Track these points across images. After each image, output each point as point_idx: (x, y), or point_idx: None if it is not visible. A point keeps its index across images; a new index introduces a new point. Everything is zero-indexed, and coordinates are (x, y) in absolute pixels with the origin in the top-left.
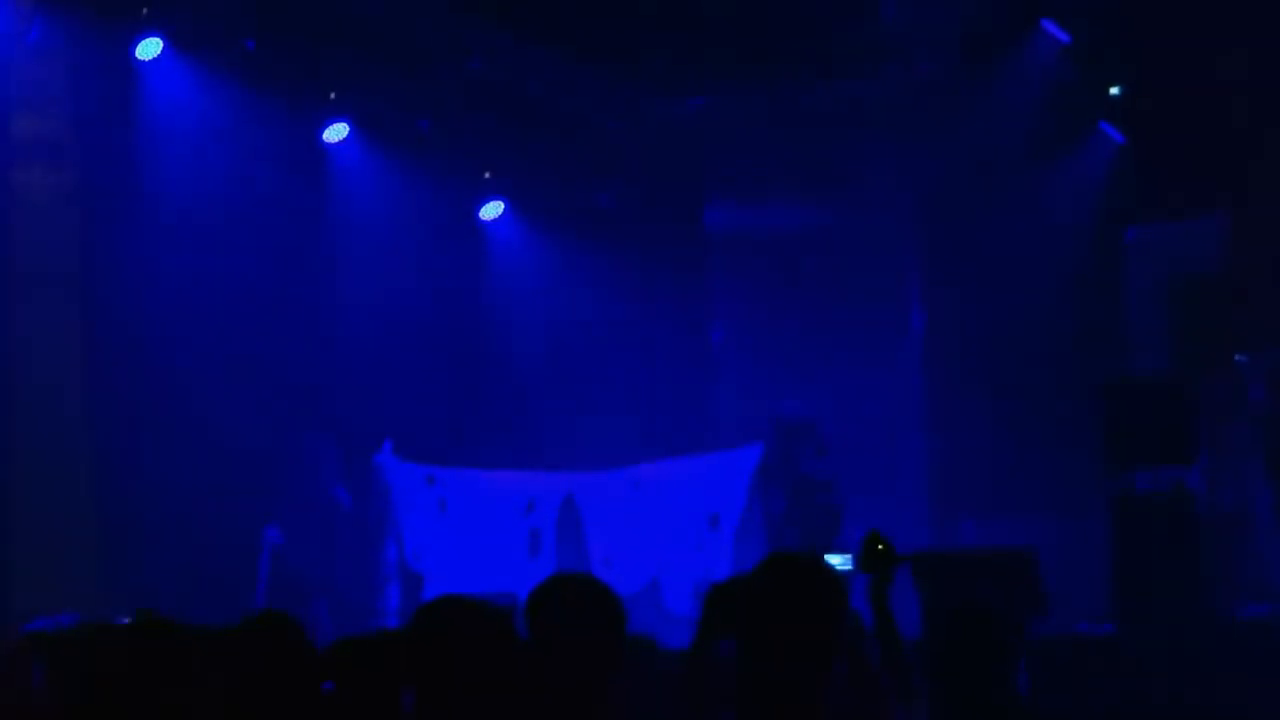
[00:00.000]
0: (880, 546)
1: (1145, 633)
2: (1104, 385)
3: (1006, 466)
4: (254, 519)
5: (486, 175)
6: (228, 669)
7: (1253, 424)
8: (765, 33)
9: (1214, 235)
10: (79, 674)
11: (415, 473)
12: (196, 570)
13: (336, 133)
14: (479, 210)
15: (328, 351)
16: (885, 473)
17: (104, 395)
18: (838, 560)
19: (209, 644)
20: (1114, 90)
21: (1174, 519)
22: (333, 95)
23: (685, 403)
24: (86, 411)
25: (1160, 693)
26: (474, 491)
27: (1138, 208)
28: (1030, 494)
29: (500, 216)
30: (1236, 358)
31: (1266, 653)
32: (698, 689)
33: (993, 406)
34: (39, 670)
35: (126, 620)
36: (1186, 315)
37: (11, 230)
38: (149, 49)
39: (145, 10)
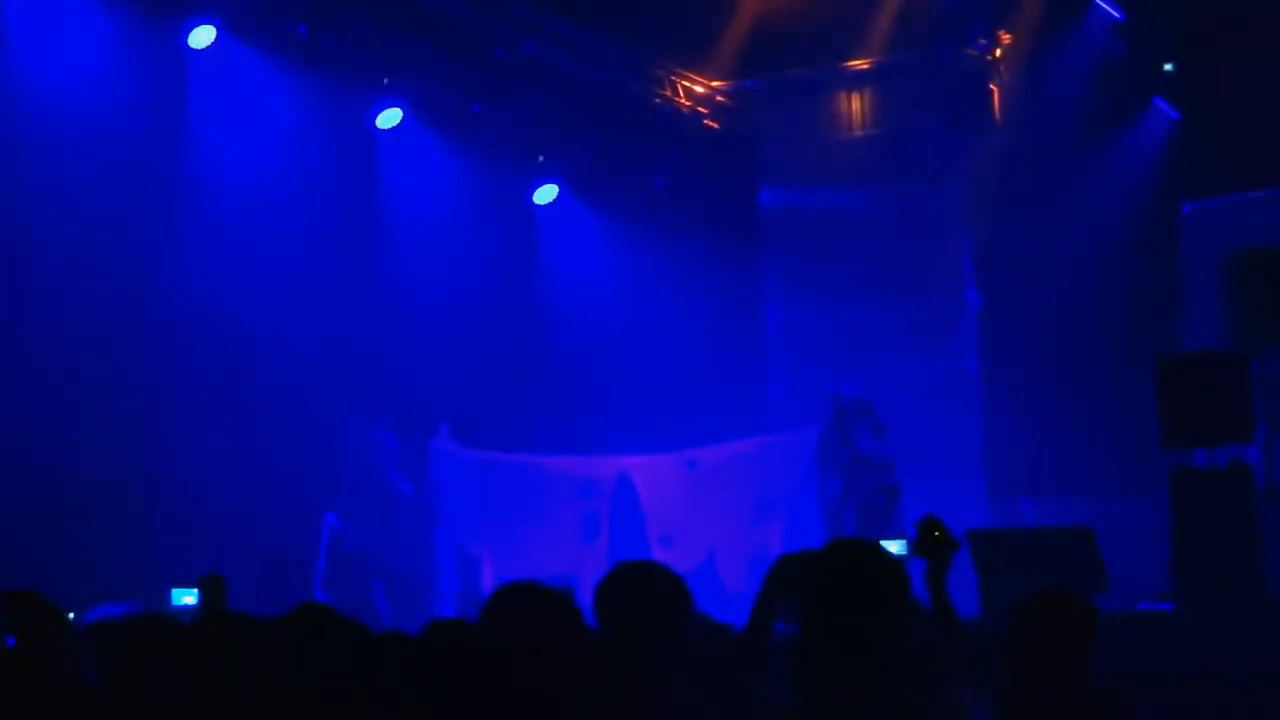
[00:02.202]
0: (937, 533)
1: (1205, 610)
2: (1160, 361)
3: (1063, 445)
4: (313, 505)
5: (540, 159)
6: (275, 661)
7: None
8: (819, 11)
9: (1269, 209)
10: (136, 665)
11: (471, 458)
12: (257, 555)
13: (390, 118)
14: (533, 194)
15: (385, 338)
16: (942, 453)
17: (165, 382)
18: (895, 545)
19: (260, 634)
20: (1167, 66)
21: (1232, 495)
22: (386, 80)
23: (741, 384)
24: (147, 397)
25: (1220, 670)
26: (530, 475)
27: (1193, 183)
28: (1088, 472)
29: (554, 200)
30: None
31: None
32: (754, 664)
33: (1049, 385)
34: (97, 660)
35: (191, 596)
36: (1242, 290)
37: (67, 218)
38: (201, 37)
39: None
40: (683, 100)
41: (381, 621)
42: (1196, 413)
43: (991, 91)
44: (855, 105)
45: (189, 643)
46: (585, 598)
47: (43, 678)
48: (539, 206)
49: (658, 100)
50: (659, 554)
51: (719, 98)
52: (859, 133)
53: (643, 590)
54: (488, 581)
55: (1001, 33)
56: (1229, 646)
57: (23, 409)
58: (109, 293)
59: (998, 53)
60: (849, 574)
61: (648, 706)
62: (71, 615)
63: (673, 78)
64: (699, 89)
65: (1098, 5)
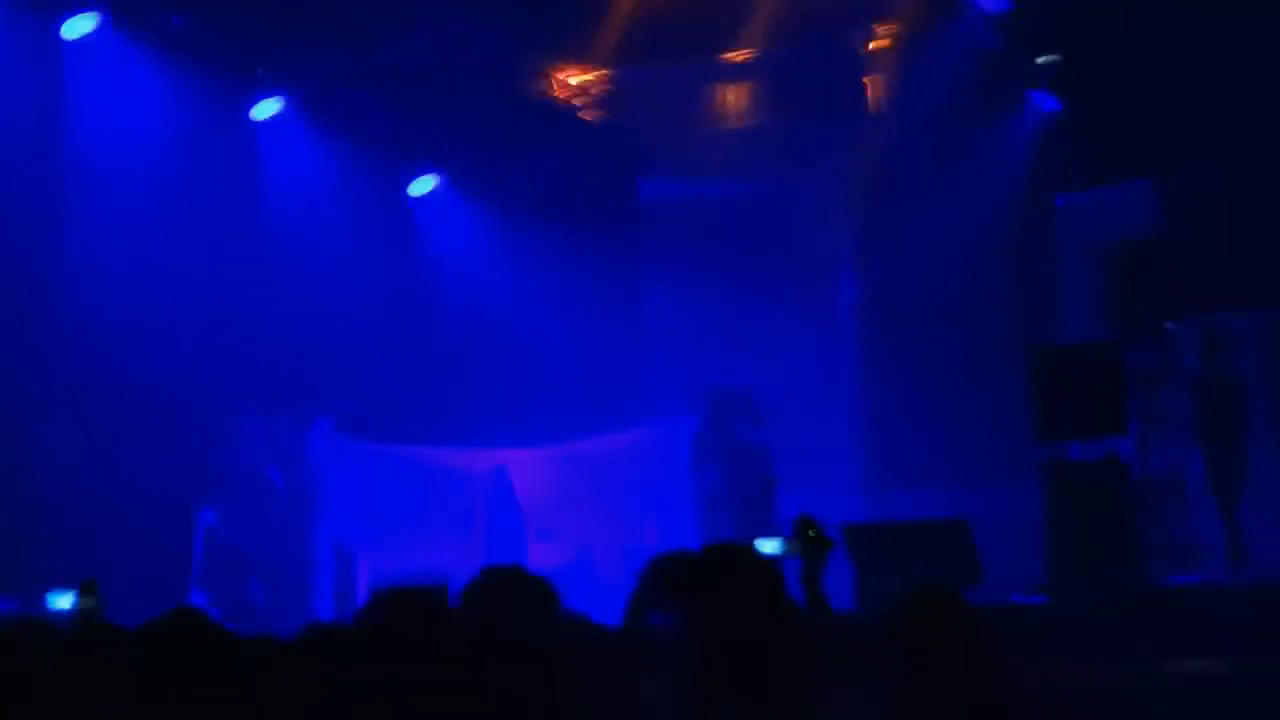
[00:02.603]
0: (812, 532)
1: (1078, 602)
2: (1033, 353)
3: (939, 436)
4: (190, 500)
5: (418, 150)
6: (146, 667)
7: (1184, 391)
8: (697, 3)
9: (1144, 202)
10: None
11: (350, 450)
12: (135, 552)
13: (267, 109)
14: (410, 185)
15: (261, 330)
16: (819, 443)
17: (39, 377)
18: (770, 545)
19: (129, 641)
20: (1042, 59)
21: (1106, 488)
22: (263, 71)
23: (621, 374)
24: (20, 392)
25: (1093, 662)
26: (409, 468)
27: (1068, 175)
28: (963, 464)
29: (433, 191)
30: (1168, 325)
31: (1197, 620)
32: (630, 660)
33: (925, 375)
34: None
35: (67, 599)
36: (1117, 282)
37: None
38: (79, 27)
39: None
40: (560, 91)
41: (258, 618)
42: (1071, 405)
43: (869, 84)
44: (732, 98)
45: (59, 648)
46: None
47: None
48: (417, 198)
49: (535, 91)
50: (536, 548)
51: (595, 89)
52: (738, 124)
53: (508, 596)
54: (364, 577)
55: (878, 25)
56: (1103, 638)
57: None
58: None
59: (875, 45)
60: (724, 577)
61: (520, 708)
62: None
63: (550, 69)
64: (575, 80)
65: None
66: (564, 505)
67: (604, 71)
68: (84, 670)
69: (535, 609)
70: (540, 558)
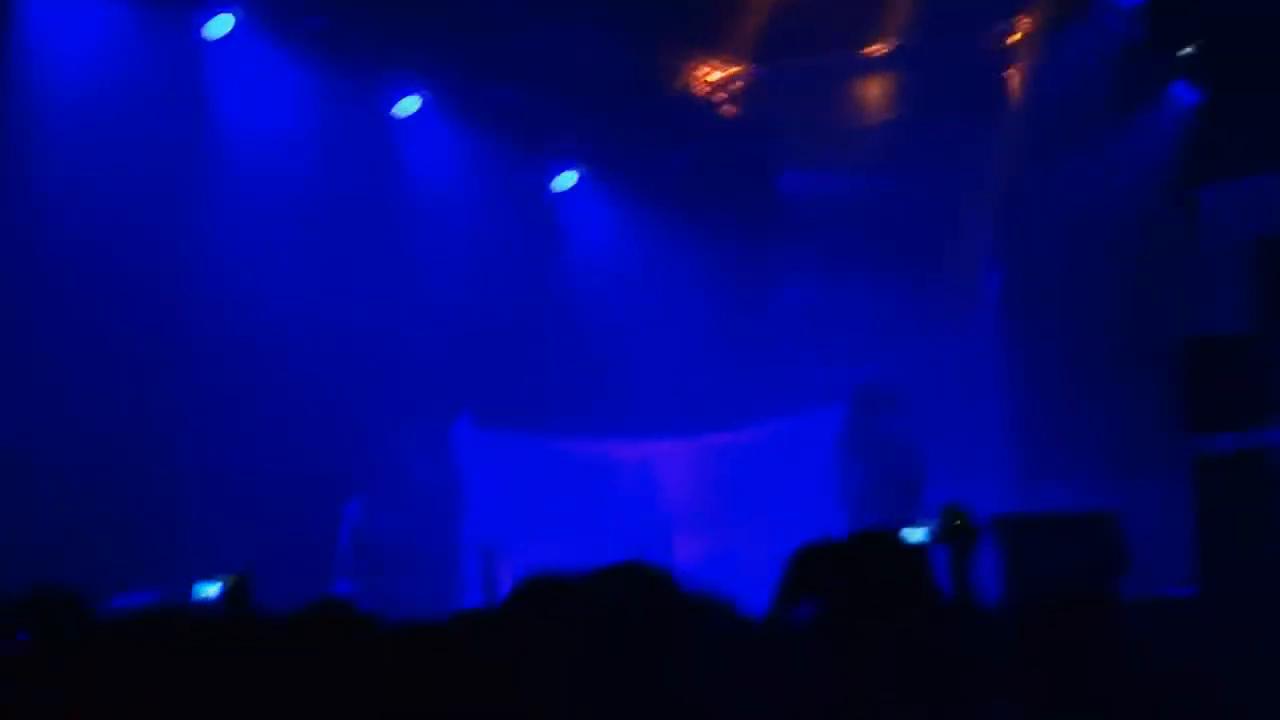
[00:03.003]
0: (958, 521)
1: (1227, 595)
2: (1181, 345)
3: (1087, 428)
4: (335, 495)
5: (559, 146)
6: (291, 655)
7: None
8: None
9: None
10: (156, 656)
11: (492, 444)
12: (280, 545)
13: (408, 106)
14: (552, 181)
15: (406, 326)
16: (966, 436)
17: (187, 373)
18: (917, 533)
19: (275, 630)
20: (1186, 49)
21: (1255, 480)
22: (404, 68)
23: (763, 367)
24: (169, 389)
25: (1242, 655)
26: (551, 461)
27: (1212, 166)
28: (1113, 456)
29: (574, 187)
30: None
31: None
32: (774, 654)
33: (1071, 368)
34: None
35: (213, 589)
36: (1264, 273)
37: (85, 214)
38: (218, 26)
39: None
40: (699, 86)
41: (403, 611)
42: (1220, 396)
43: (1009, 77)
44: (873, 91)
45: (205, 636)
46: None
47: (58, 672)
48: (558, 193)
49: (675, 86)
50: (679, 541)
51: (736, 83)
52: (877, 118)
53: (634, 588)
54: (509, 570)
55: (1019, 17)
56: (1252, 631)
57: (45, 401)
58: (127, 286)
59: (1015, 37)
60: (871, 566)
61: (657, 701)
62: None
63: (689, 64)
64: (716, 75)
65: None
66: (708, 498)
67: (742, 67)
68: (227, 656)
69: (658, 599)
70: (685, 550)
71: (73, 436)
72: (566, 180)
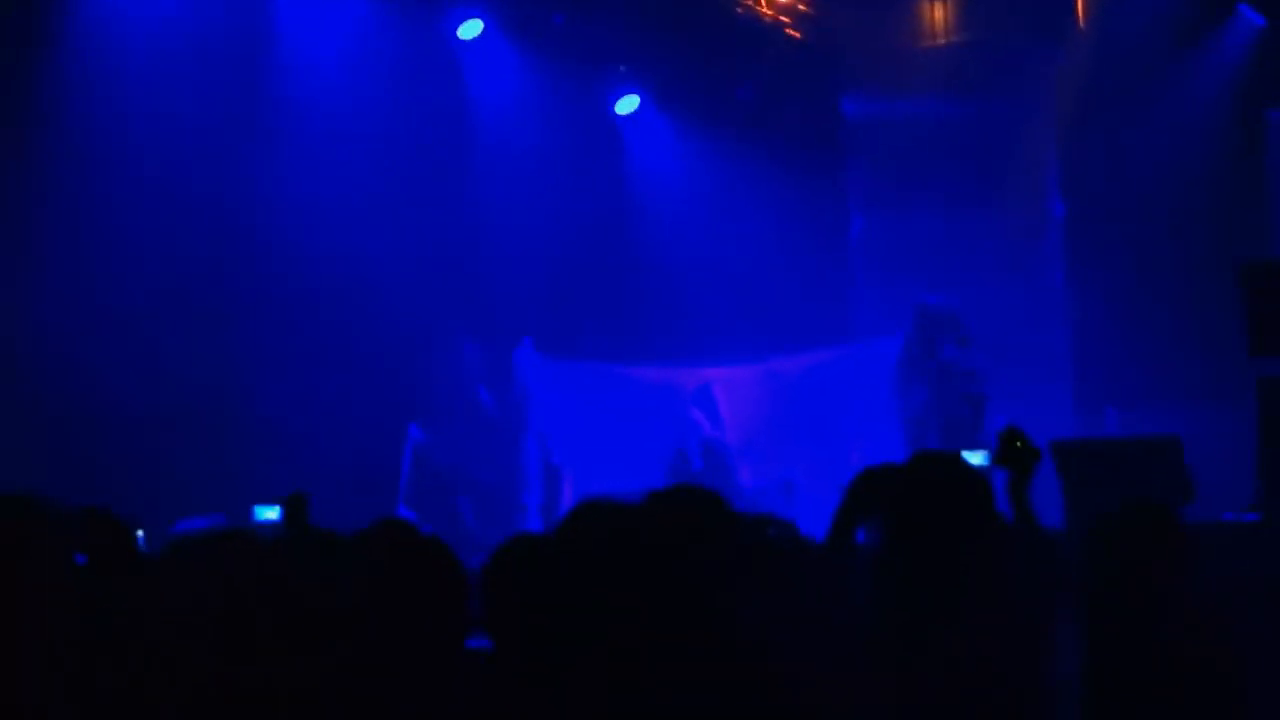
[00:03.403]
0: (1019, 442)
1: None
2: (1244, 268)
3: (1150, 354)
4: (398, 418)
5: (622, 69)
6: (354, 575)
7: None
8: None
9: None
10: (222, 581)
11: (554, 370)
12: (342, 469)
13: (471, 30)
14: (615, 104)
15: (468, 251)
16: (1028, 362)
17: (249, 298)
18: (977, 457)
19: (340, 549)
20: None
21: None
22: None
23: (825, 295)
24: (232, 314)
25: None
26: (613, 387)
27: (1279, 89)
28: (1175, 382)
29: (636, 110)
30: None
31: None
32: (835, 579)
33: (1135, 294)
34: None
35: (273, 512)
36: None
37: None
38: None
39: None
40: (765, 9)
41: (468, 535)
42: None
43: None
44: (939, 14)
45: (270, 557)
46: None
47: (109, 596)
48: (621, 117)
49: (739, 9)
50: (740, 466)
51: (801, 6)
52: (942, 42)
53: (687, 512)
54: (569, 494)
55: None
56: None
57: (109, 328)
58: (195, 212)
59: None
60: (933, 488)
61: (720, 627)
62: (141, 533)
63: None
64: None
65: None
66: (769, 424)
67: None
68: (291, 575)
69: (712, 524)
70: (745, 476)
71: (139, 365)
72: (629, 104)
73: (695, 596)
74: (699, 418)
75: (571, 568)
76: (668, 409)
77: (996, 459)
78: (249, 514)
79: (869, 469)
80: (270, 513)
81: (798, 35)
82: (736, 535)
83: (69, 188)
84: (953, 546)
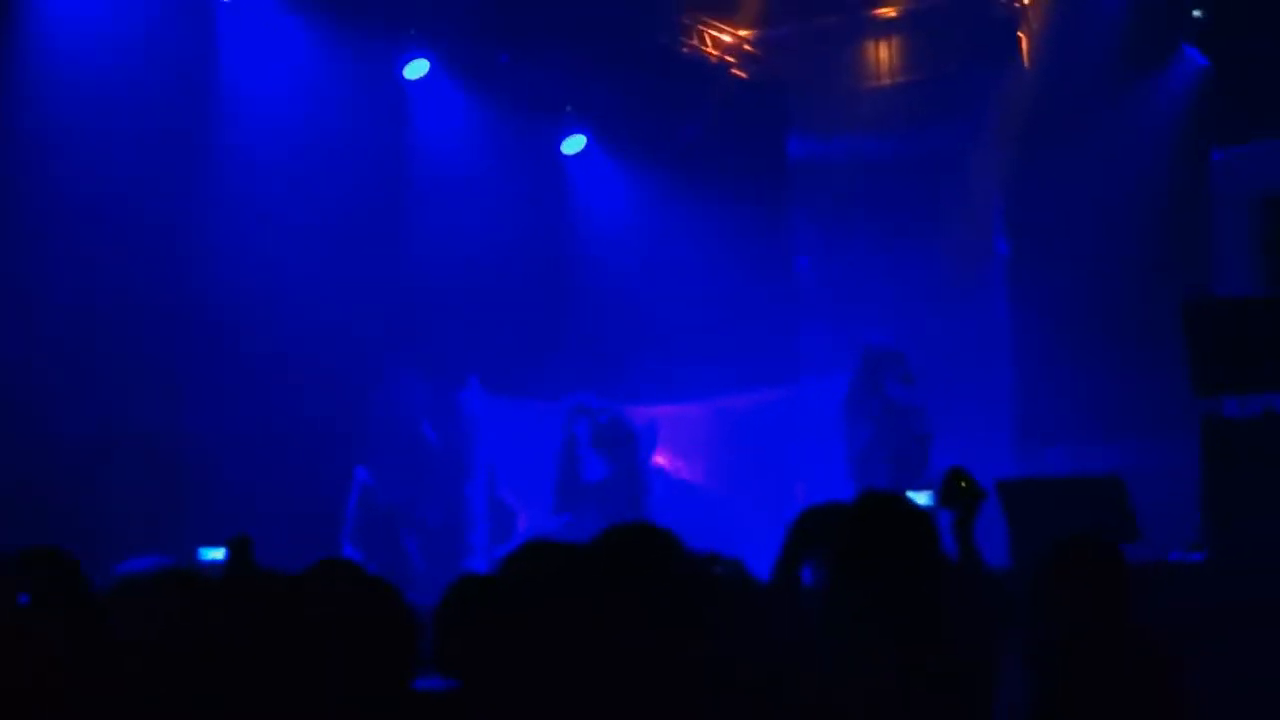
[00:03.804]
0: (963, 483)
1: (1236, 560)
2: (1188, 307)
3: (1094, 392)
4: (343, 459)
5: (568, 109)
6: (299, 616)
7: None
8: None
9: None
10: (167, 620)
11: (500, 407)
12: (286, 510)
13: (416, 69)
14: (561, 144)
15: (414, 290)
16: (972, 400)
17: (191, 335)
18: (922, 497)
19: (285, 590)
20: (1196, 12)
21: (1265, 444)
22: (412, 31)
23: (771, 334)
24: (173, 351)
25: (1251, 619)
26: (559, 425)
27: (1223, 129)
28: (1119, 418)
29: (582, 150)
30: None
31: None
32: (779, 617)
33: (1079, 332)
34: (127, 615)
35: (218, 553)
36: (1273, 236)
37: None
38: None
39: None
40: (710, 50)
41: (415, 575)
42: (1227, 359)
43: (1020, 37)
44: (883, 53)
45: (216, 596)
46: None
47: (58, 635)
48: (568, 156)
49: (685, 50)
50: (687, 503)
51: (746, 46)
52: (887, 81)
53: (633, 549)
54: (521, 534)
55: None
56: (1262, 596)
57: (48, 366)
58: (131, 244)
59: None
60: (878, 527)
61: (659, 668)
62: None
63: (700, 27)
64: (727, 38)
65: None
66: (715, 461)
67: (753, 29)
68: (235, 616)
69: (661, 561)
70: (692, 512)
71: (71, 400)
72: (576, 144)
73: (642, 635)
74: (646, 456)
75: (519, 607)
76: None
77: (942, 499)
78: (192, 555)
79: (813, 507)
80: (215, 554)
81: (743, 75)
82: (684, 572)
83: None
84: (898, 585)
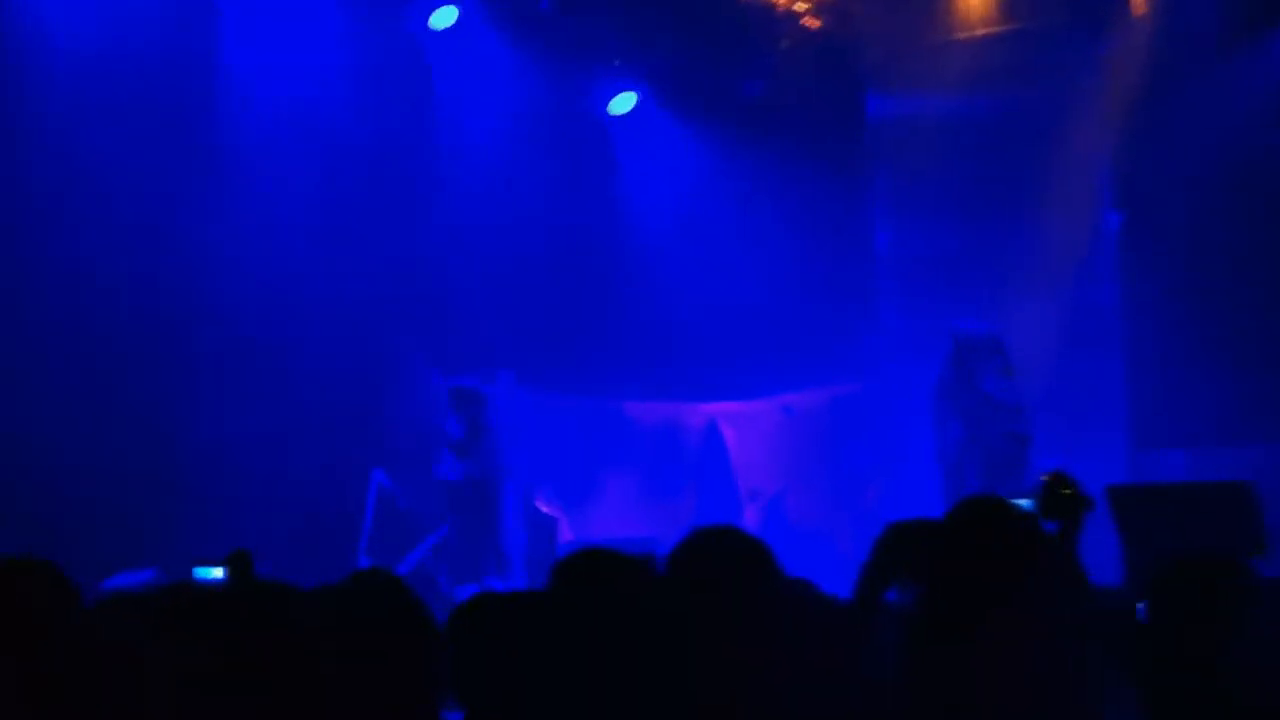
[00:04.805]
0: (1066, 490)
1: None
2: None
3: (1217, 389)
4: (356, 459)
5: (616, 63)
6: (329, 632)
7: None
8: None
9: None
10: (167, 635)
11: (539, 405)
12: (298, 518)
13: (444, 18)
14: (607, 103)
15: (438, 274)
16: (1078, 396)
17: (191, 330)
18: (1020, 504)
19: (306, 604)
20: None
21: None
22: None
23: (847, 318)
24: (179, 348)
25: None
26: (607, 425)
27: None
28: (1246, 418)
29: (632, 110)
30: None
31: None
32: (860, 639)
33: (1201, 319)
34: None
35: (216, 572)
36: None
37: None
38: None
39: None
40: None
41: (438, 589)
42: None
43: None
44: (974, 1)
45: (219, 611)
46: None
47: (50, 651)
48: (615, 118)
49: None
50: (751, 513)
51: None
52: (979, 32)
53: (719, 559)
54: (562, 543)
55: None
56: None
57: (48, 368)
58: (128, 234)
59: None
60: (980, 537)
61: (732, 682)
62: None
63: None
64: None
65: None
66: (782, 463)
67: None
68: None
69: (750, 575)
70: (754, 520)
71: (62, 402)
72: (624, 103)
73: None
74: (706, 460)
75: (566, 626)
76: (669, 450)
77: (1042, 509)
78: (187, 573)
79: (896, 525)
80: (213, 572)
81: (816, 24)
82: (775, 591)
83: None
84: (1003, 611)
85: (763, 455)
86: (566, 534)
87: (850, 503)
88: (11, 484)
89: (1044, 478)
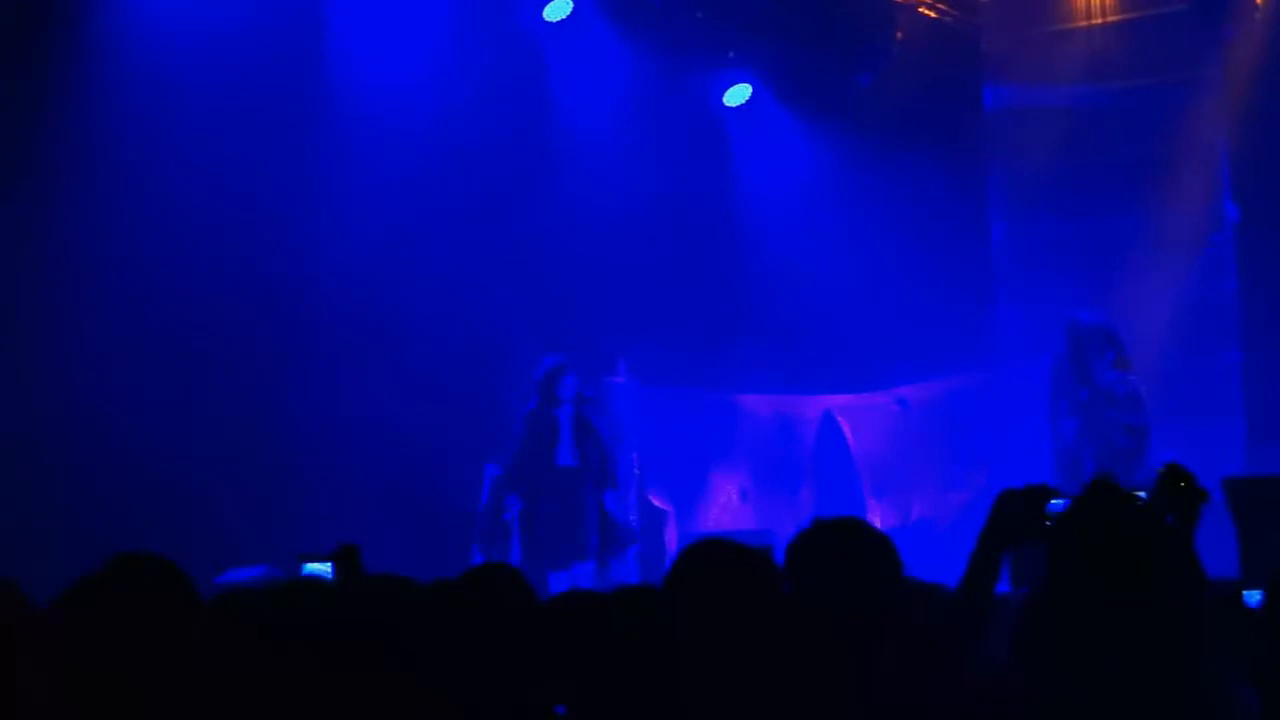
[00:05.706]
0: (1183, 483)
1: None
2: None
3: None
4: (468, 451)
5: (731, 55)
6: (446, 625)
7: None
8: None
9: None
10: (278, 632)
11: (653, 397)
12: (409, 513)
13: (558, 10)
14: (722, 95)
15: (552, 266)
16: (1195, 388)
17: (300, 321)
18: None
19: (424, 598)
20: None
21: None
22: None
23: (963, 310)
24: (292, 339)
25: None
26: (722, 417)
27: None
28: None
29: (747, 102)
30: None
31: None
32: (972, 630)
33: None
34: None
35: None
36: None
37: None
38: None
39: None
40: None
41: (553, 583)
42: None
43: None
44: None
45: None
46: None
47: (167, 648)
48: (730, 110)
49: None
50: (869, 505)
51: None
52: (1098, 21)
53: (844, 551)
54: (674, 537)
55: None
56: None
57: (161, 361)
58: (232, 223)
59: None
60: (1110, 525)
61: (848, 679)
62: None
63: None
64: None
65: None
66: (900, 457)
67: None
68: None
69: (875, 569)
70: (875, 515)
71: (167, 396)
72: (740, 95)
73: (819, 652)
74: (822, 452)
75: (687, 618)
76: (785, 443)
77: (1158, 501)
78: (294, 570)
79: (1010, 491)
80: (319, 567)
81: (932, 14)
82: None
83: (86, 203)
84: (1131, 594)
85: (878, 448)
86: (676, 530)
87: (965, 496)
88: (122, 476)
89: (1160, 470)
